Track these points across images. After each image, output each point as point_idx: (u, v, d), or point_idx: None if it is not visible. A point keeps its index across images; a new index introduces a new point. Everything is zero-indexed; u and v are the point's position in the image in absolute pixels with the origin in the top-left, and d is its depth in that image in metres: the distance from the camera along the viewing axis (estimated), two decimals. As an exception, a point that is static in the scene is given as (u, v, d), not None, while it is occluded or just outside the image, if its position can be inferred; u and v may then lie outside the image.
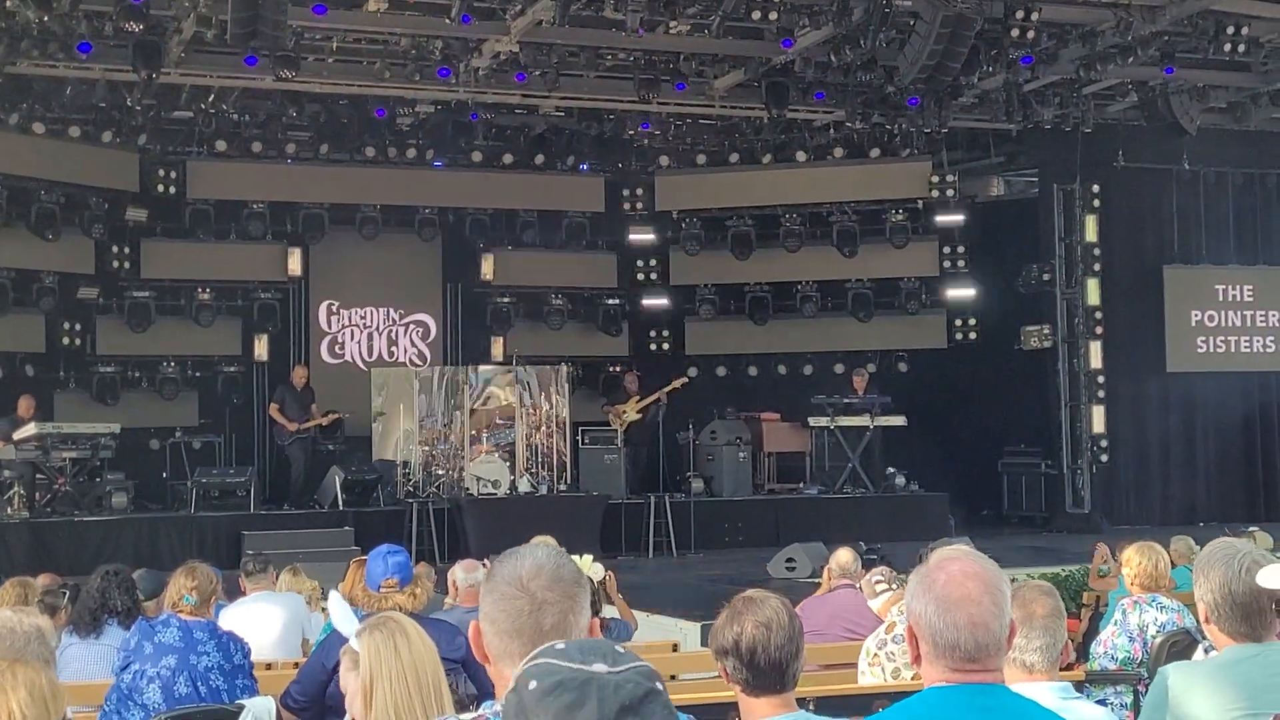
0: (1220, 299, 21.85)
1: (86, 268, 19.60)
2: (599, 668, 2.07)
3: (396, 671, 3.44)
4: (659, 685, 2.09)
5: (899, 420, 20.34)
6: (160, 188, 19.95)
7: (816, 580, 11.93)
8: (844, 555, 8.71)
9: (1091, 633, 9.36)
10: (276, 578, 9.52)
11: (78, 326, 19.65)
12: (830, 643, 8.08)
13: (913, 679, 5.98)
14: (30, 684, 2.75)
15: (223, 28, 15.00)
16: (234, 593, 8.98)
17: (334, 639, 5.45)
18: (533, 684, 2.07)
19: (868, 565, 8.48)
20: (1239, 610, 3.86)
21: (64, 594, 8.12)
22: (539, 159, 21.67)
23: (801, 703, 3.78)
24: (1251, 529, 11.55)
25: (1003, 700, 3.07)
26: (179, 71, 17.51)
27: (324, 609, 9.54)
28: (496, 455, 18.96)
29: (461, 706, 3.86)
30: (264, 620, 8.41)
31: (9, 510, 16.49)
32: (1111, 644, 7.49)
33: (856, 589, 8.49)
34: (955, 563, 3.11)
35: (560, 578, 2.72)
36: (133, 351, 19.96)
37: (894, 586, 7.73)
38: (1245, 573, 3.84)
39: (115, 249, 19.73)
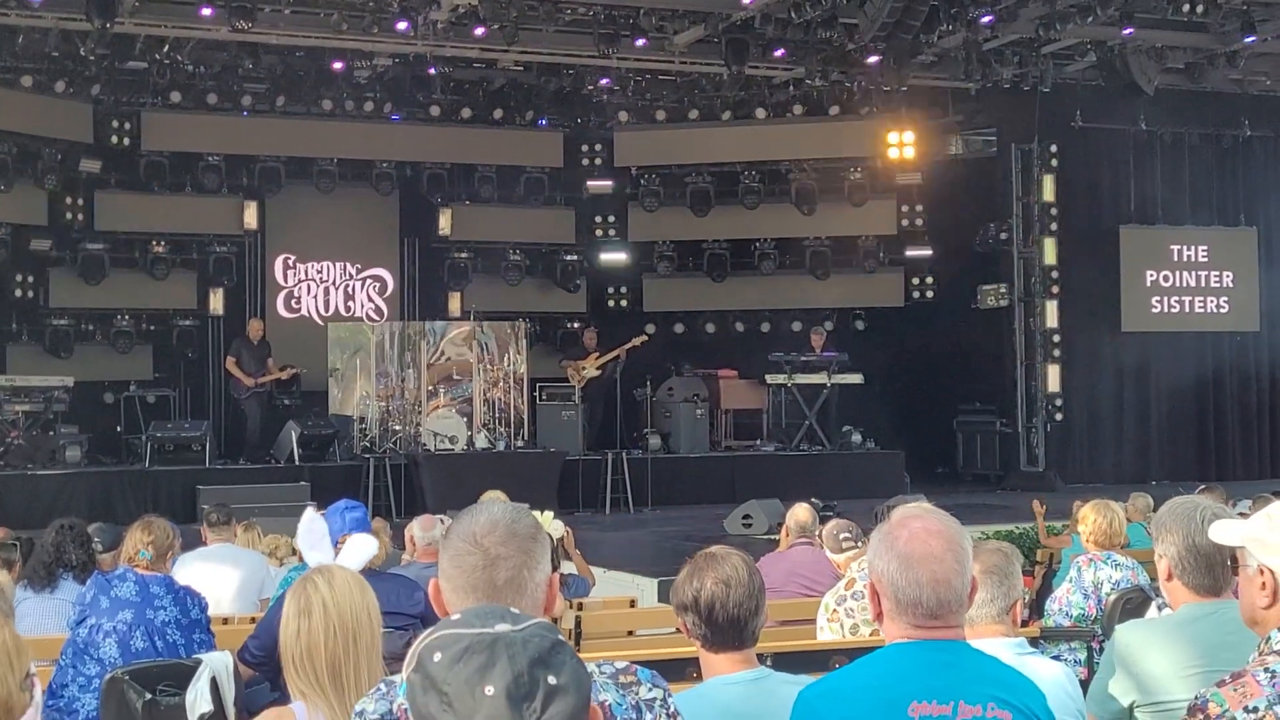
0: (1175, 259, 22.00)
1: (39, 219, 19.40)
2: (502, 628, 2.07)
3: (306, 645, 3.38)
4: (561, 637, 2.10)
5: (856, 378, 20.43)
6: (114, 139, 19.76)
7: (773, 537, 12.00)
8: (801, 512, 8.73)
9: (1045, 590, 9.44)
10: (238, 530, 9.53)
11: (30, 279, 19.47)
12: (787, 599, 8.12)
13: (871, 635, 6.01)
14: None
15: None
16: (191, 546, 8.94)
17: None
18: (437, 655, 2.06)
19: (824, 522, 8.49)
20: (1203, 561, 3.89)
21: (15, 547, 8.06)
22: (498, 113, 21.56)
23: (760, 659, 3.80)
24: (1204, 487, 11.64)
25: (963, 656, 3.09)
26: (133, 21, 17.30)
27: (289, 557, 9.55)
28: (454, 411, 18.94)
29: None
30: (222, 575, 8.39)
31: (-38, 464, 16.38)
32: (1066, 601, 7.54)
33: (814, 546, 8.51)
34: (918, 520, 3.12)
35: (515, 533, 2.71)
36: (86, 304, 19.81)
37: (859, 543, 7.76)
38: (1207, 524, 3.88)
39: (69, 200, 19.54)
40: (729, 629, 3.67)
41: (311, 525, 4.42)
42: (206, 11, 16.98)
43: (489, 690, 2.01)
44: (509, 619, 2.10)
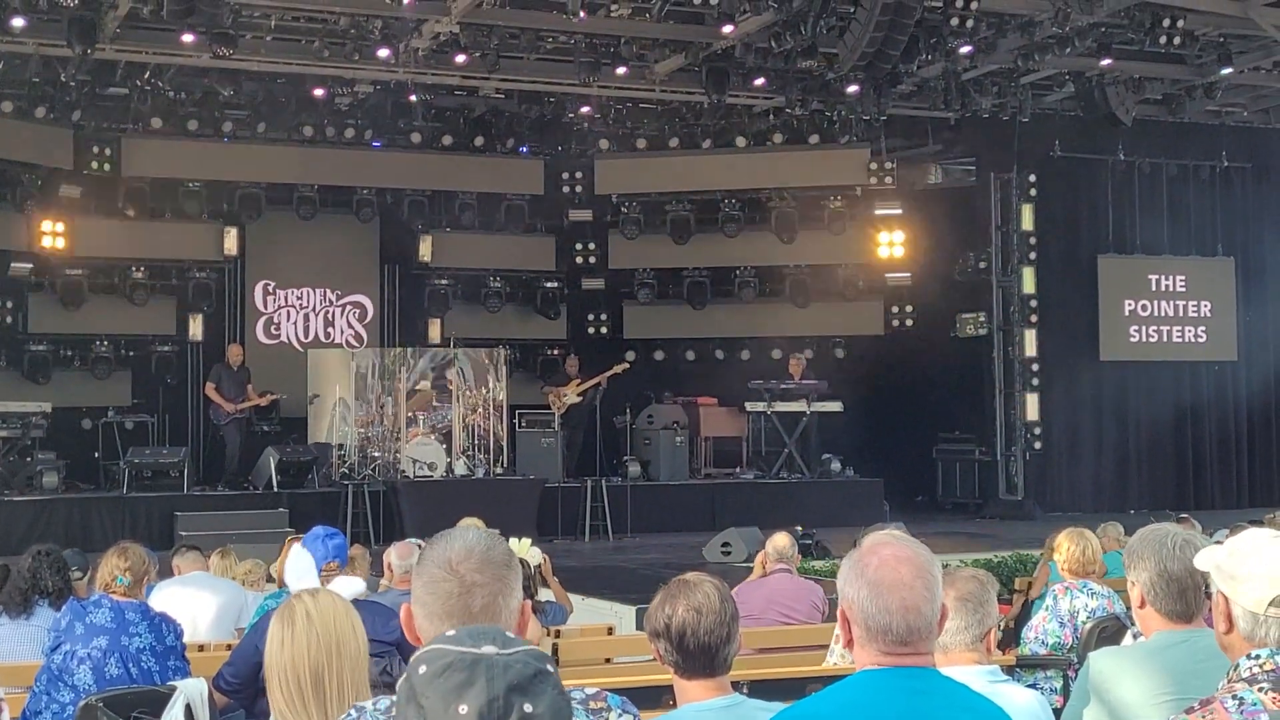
0: (1153, 289, 22.10)
1: (19, 244, 19.34)
2: (488, 649, 2.09)
3: (290, 655, 3.39)
4: (550, 667, 2.11)
5: (835, 406, 20.46)
6: (95, 165, 19.68)
7: (751, 566, 12.00)
8: (780, 540, 8.75)
9: (1024, 618, 9.46)
10: (210, 559, 9.49)
11: (9, 304, 19.38)
12: (765, 626, 8.12)
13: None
14: None
15: (160, 4, 14.88)
16: (166, 574, 8.91)
17: (267, 621, 5.42)
18: (423, 668, 2.09)
19: (803, 550, 8.52)
20: (1175, 587, 3.91)
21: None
22: (478, 141, 21.56)
23: (736, 686, 3.80)
24: (1184, 515, 11.69)
25: (934, 683, 3.08)
26: (114, 47, 17.30)
27: (266, 583, 9.51)
28: (433, 438, 18.92)
29: (394, 690, 3.83)
30: (197, 602, 8.35)
31: (-62, 489, 16.31)
32: (1042, 629, 7.58)
33: (793, 574, 8.53)
34: (887, 547, 3.12)
35: (490, 560, 2.72)
36: (65, 330, 19.76)
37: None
38: (1179, 550, 3.91)
39: (48, 226, 19.47)
40: (700, 656, 3.67)
41: (299, 559, 4.43)
42: (188, 38, 16.98)
43: (462, 709, 2.03)
44: (499, 642, 2.11)
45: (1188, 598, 3.93)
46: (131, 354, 20.24)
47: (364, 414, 19.35)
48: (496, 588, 2.69)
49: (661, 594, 3.79)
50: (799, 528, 11.24)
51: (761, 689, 5.44)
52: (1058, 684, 7.29)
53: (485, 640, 2.11)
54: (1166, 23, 16.94)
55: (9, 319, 19.39)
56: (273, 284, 21.52)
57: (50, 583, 7.35)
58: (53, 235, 19.49)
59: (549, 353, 22.24)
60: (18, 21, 16.36)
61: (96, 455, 19.07)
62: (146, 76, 19.06)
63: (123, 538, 8.04)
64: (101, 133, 19.83)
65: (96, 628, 6.27)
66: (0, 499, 16.62)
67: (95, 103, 19.46)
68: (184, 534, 10.86)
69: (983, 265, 21.26)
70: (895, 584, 3.04)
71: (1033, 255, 21.19)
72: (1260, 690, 2.85)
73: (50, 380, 19.32)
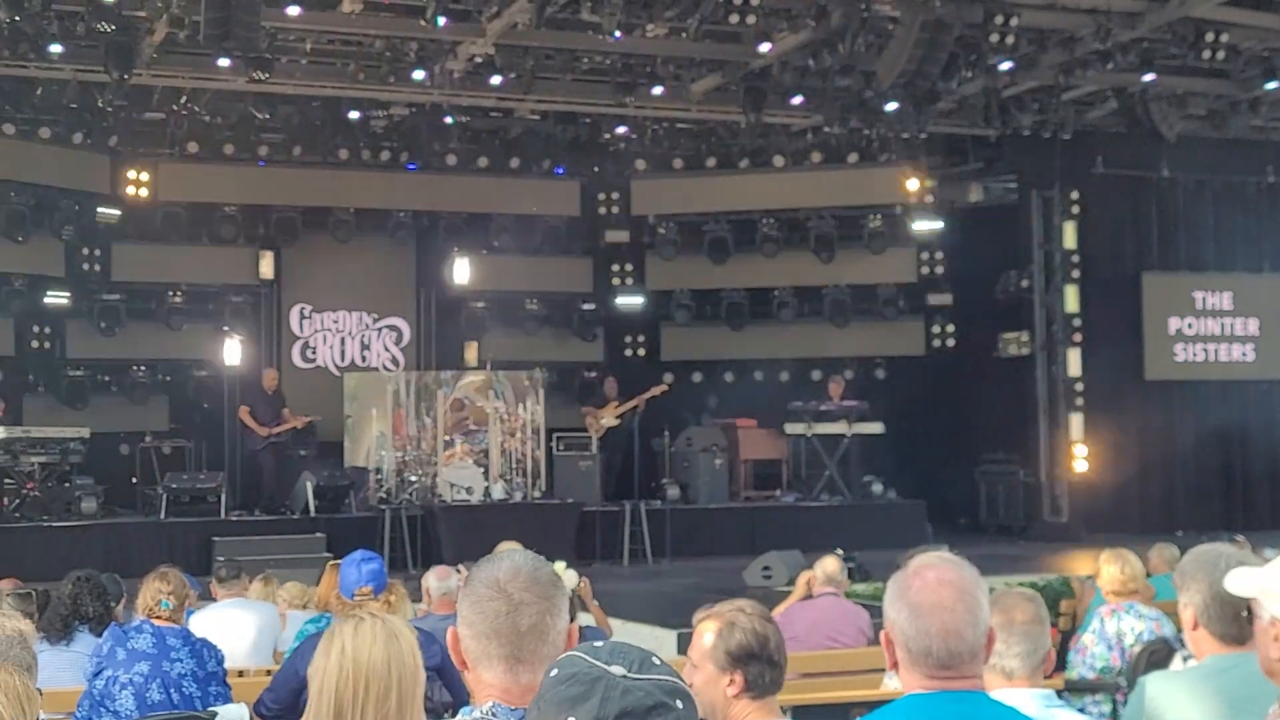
0: (1199, 306, 21.88)
1: (56, 270, 19.43)
2: (617, 669, 2.08)
3: (319, 684, 3.31)
4: (678, 703, 2.07)
5: (876, 428, 20.30)
6: (131, 190, 19.78)
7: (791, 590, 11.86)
8: (830, 563, 8.69)
9: (1068, 642, 9.30)
10: (249, 585, 9.43)
11: (47, 330, 19.49)
12: (811, 650, 7.99)
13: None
14: (5, 684, 2.66)
15: (196, 28, 14.86)
16: (205, 599, 8.88)
17: (308, 645, 5.35)
18: (554, 671, 2.10)
19: (850, 575, 8.44)
20: (1228, 610, 3.84)
21: (31, 598, 7.99)
22: (514, 162, 21.57)
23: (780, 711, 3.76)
24: (1238, 537, 11.53)
25: (981, 708, 3.04)
26: (151, 72, 17.40)
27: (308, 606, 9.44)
28: (471, 461, 18.84)
29: (436, 715, 3.78)
30: (237, 627, 8.32)
31: (-24, 515, 16.33)
32: (1090, 652, 7.45)
33: (840, 598, 8.41)
34: (931, 569, 3.08)
35: (537, 579, 2.74)
36: (103, 355, 19.81)
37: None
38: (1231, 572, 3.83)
39: (85, 251, 19.57)
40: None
41: None
42: (224, 62, 17.09)
43: None
44: (635, 665, 2.10)
45: (1241, 621, 3.84)
46: (168, 379, 20.30)
47: (401, 438, 19.28)
48: (544, 607, 2.71)
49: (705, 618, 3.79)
50: (839, 550, 11.07)
51: (806, 713, 5.32)
52: (1106, 708, 7.16)
53: (620, 660, 2.10)
54: (1210, 37, 16.78)
55: (47, 344, 19.50)
56: (309, 308, 21.52)
57: (91, 608, 7.35)
58: (90, 260, 19.58)
59: (586, 375, 22.18)
60: (55, 48, 16.49)
61: (134, 480, 19.07)
62: (183, 101, 19.19)
63: (161, 563, 8.00)
64: (138, 158, 19.91)
65: (138, 653, 6.32)
66: (39, 524, 16.64)
67: (132, 128, 19.60)
68: (221, 559, 10.82)
69: (1025, 284, 21.07)
70: (936, 607, 3.01)
71: (1076, 273, 20.98)
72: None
73: (88, 406, 19.39)
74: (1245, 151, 21.69)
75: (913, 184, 21.47)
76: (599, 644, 2.15)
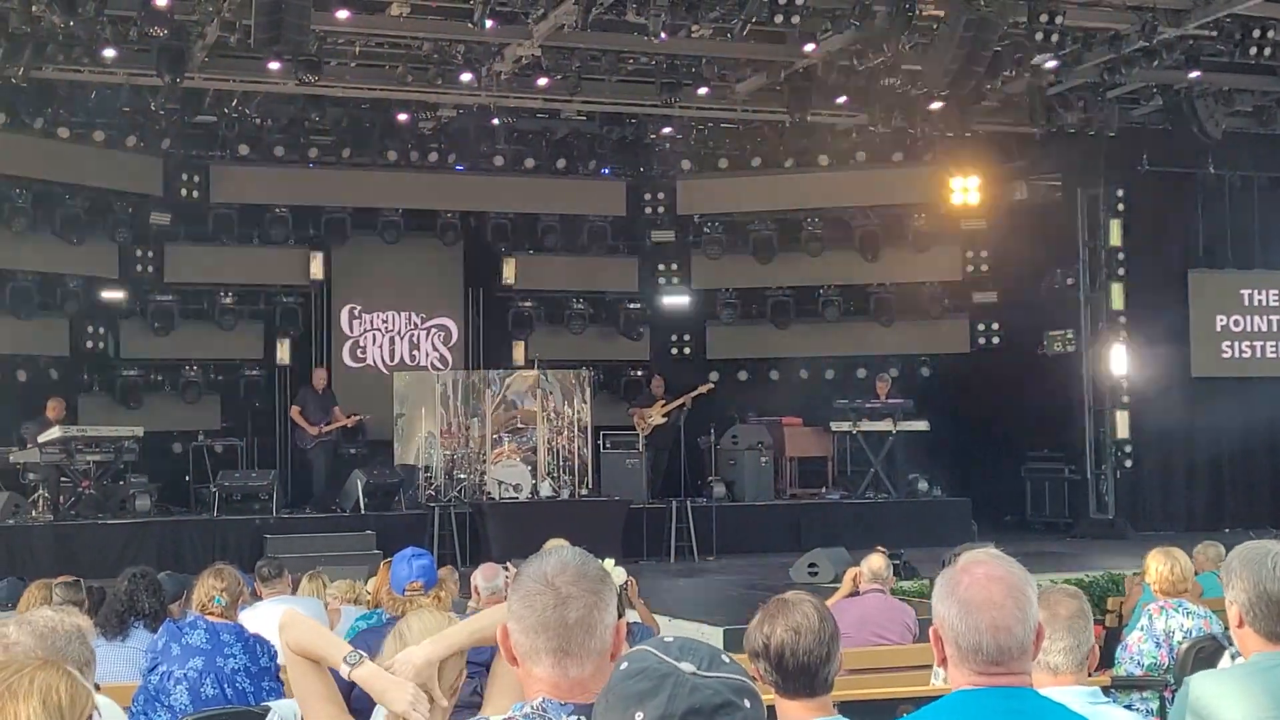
0: (1246, 304, 21.72)
1: (111, 272, 19.70)
2: (686, 666, 2.08)
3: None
4: (746, 702, 2.08)
5: (921, 425, 20.30)
6: (184, 192, 20.03)
7: (837, 586, 11.91)
8: (876, 561, 8.74)
9: (1115, 639, 9.33)
10: (292, 582, 9.51)
11: (102, 330, 19.76)
12: (857, 647, 8.05)
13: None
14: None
15: (246, 32, 15.02)
16: (254, 598, 8.97)
17: (359, 641, 5.45)
18: (624, 664, 2.10)
19: (896, 572, 8.49)
20: (1274, 608, 3.84)
21: (80, 584, 8.12)
22: (561, 163, 21.69)
23: (829, 706, 3.77)
24: (1280, 534, 11.49)
25: (1030, 703, 3.05)
26: (202, 76, 17.53)
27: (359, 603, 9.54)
28: (518, 459, 18.95)
29: (475, 710, 3.83)
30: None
31: (33, 513, 16.55)
32: (1137, 649, 7.46)
33: (886, 594, 8.48)
34: (980, 566, 3.10)
35: (584, 574, 2.73)
36: (156, 355, 20.05)
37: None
38: (1278, 570, 3.83)
39: (139, 253, 19.81)
40: (799, 676, 3.65)
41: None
42: (274, 65, 17.23)
43: (638, 716, 2.03)
44: (702, 662, 2.10)
45: (1288, 619, 3.85)
46: (220, 378, 20.50)
47: (449, 436, 19.41)
48: (592, 600, 2.70)
49: (761, 613, 3.78)
50: (881, 548, 11.12)
51: (852, 709, 5.39)
52: (1154, 705, 7.18)
53: (690, 657, 2.10)
54: (1256, 34, 16.69)
55: (102, 344, 19.77)
56: (358, 307, 21.70)
57: (147, 604, 7.45)
58: (143, 262, 19.81)
59: (632, 374, 22.25)
60: (109, 52, 16.69)
61: (187, 479, 19.28)
62: (234, 104, 19.35)
63: (213, 560, 8.14)
64: (190, 160, 20.15)
65: (192, 649, 6.34)
66: (94, 522, 16.83)
67: (184, 131, 19.79)
68: (264, 558, 10.97)
69: (1070, 282, 21.01)
70: (985, 603, 3.02)
71: (1121, 271, 20.89)
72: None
73: (142, 405, 19.63)
74: (1292, 148, 21.55)
75: (957, 182, 21.46)
76: (669, 639, 2.16)
